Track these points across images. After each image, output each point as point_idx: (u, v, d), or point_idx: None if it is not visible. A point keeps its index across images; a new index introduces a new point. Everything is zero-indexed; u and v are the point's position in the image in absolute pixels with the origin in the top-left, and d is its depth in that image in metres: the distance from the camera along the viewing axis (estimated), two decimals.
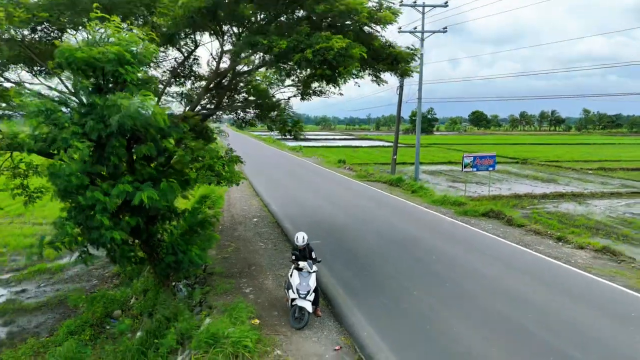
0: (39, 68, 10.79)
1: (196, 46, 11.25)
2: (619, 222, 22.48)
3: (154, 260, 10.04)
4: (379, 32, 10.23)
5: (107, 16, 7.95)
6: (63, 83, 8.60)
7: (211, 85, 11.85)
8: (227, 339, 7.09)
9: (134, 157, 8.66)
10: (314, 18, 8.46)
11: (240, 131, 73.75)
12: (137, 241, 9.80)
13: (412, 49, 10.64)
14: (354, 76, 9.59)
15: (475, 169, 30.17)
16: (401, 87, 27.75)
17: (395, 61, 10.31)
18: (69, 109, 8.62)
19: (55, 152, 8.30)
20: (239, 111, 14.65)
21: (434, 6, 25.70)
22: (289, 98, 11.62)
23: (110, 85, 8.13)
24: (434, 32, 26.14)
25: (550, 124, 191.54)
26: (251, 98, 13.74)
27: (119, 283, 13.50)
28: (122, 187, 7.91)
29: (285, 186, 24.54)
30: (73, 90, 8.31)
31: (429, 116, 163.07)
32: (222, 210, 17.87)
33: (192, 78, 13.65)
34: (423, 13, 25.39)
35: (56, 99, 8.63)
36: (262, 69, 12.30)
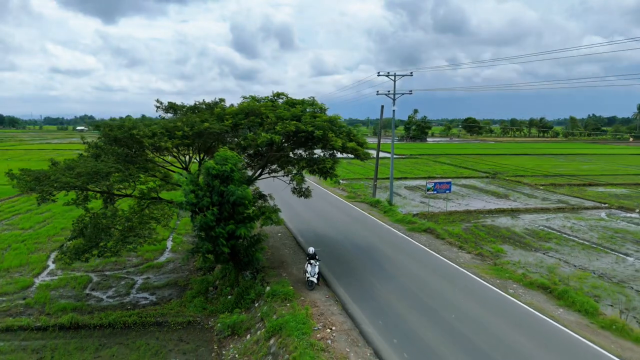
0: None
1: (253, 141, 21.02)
2: (529, 233, 32.12)
3: (235, 260, 19.71)
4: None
5: (224, 147, 17.71)
6: (196, 177, 18.29)
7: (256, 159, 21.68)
8: (280, 293, 16.83)
9: (234, 210, 18.36)
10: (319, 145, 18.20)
11: None
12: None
13: (366, 151, 20.38)
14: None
15: (435, 192, 40.02)
16: (378, 149, 37.51)
17: (357, 153, 20.15)
18: (199, 187, 18.33)
19: (194, 209, 18.07)
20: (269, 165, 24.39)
21: (403, 75, 35.50)
22: (299, 170, 21.26)
23: (226, 175, 17.83)
24: (402, 93, 35.95)
25: (539, 131, 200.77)
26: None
27: (203, 273, 23.17)
28: (230, 227, 17.61)
29: (293, 207, 33.98)
30: (205, 181, 17.98)
31: (423, 124, 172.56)
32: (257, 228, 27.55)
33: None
34: (394, 80, 35.17)
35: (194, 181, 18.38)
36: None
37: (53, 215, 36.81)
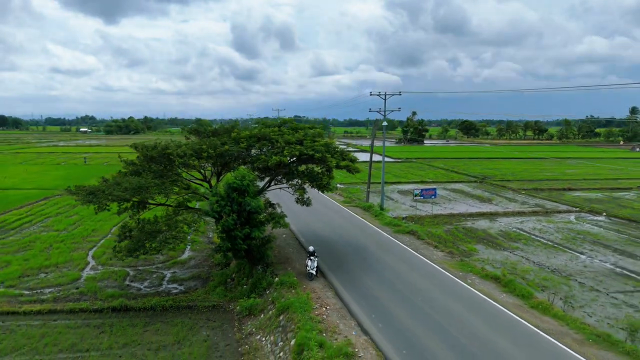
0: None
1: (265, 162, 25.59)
2: (502, 234, 36.60)
3: (249, 257, 24.27)
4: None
5: (243, 167, 22.31)
6: (216, 191, 22.87)
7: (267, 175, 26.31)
8: (287, 282, 21.43)
9: (249, 216, 22.92)
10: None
11: None
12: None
13: (356, 166, 25.03)
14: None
15: (422, 197, 44.56)
16: (370, 163, 41.97)
17: (349, 168, 24.76)
18: (222, 198, 22.89)
19: (218, 216, 22.66)
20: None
21: (392, 94, 40.07)
22: (301, 185, 25.86)
23: (242, 189, 22.40)
24: (392, 110, 40.52)
25: (534, 133, 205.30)
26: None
27: (221, 268, 27.70)
28: (246, 230, 22.19)
29: (296, 213, 38.43)
30: (225, 193, 22.53)
31: (420, 127, 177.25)
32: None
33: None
34: (385, 99, 39.73)
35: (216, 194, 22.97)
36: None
37: (81, 218, 41.24)
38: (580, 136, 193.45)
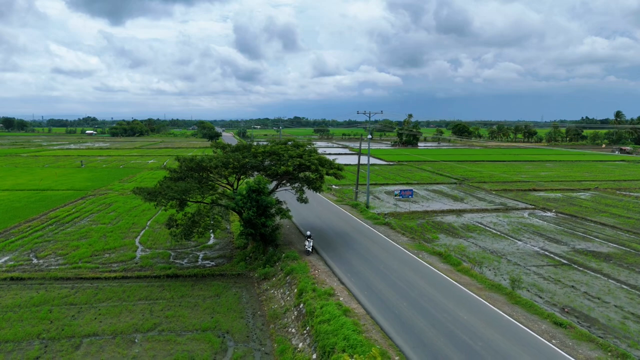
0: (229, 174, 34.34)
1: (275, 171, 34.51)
2: (463, 226, 45.48)
3: (264, 239, 33.21)
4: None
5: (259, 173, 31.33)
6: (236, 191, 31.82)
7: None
8: (291, 256, 30.44)
9: (264, 210, 31.85)
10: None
11: None
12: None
13: (341, 174, 34.00)
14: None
15: (401, 197, 53.45)
16: (358, 170, 50.87)
17: (336, 175, 33.73)
18: (244, 197, 31.86)
19: (240, 210, 31.66)
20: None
21: (375, 113, 49.06)
22: (301, 187, 34.87)
23: (259, 190, 31.36)
24: (376, 124, 49.26)
25: (524, 136, 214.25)
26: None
27: (241, 249, 36.62)
28: (262, 220, 31.18)
29: (296, 209, 47.44)
30: (246, 193, 31.49)
31: (414, 130, 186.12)
32: None
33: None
34: (369, 117, 48.66)
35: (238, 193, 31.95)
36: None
37: (119, 214, 50.01)
38: (568, 139, 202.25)
